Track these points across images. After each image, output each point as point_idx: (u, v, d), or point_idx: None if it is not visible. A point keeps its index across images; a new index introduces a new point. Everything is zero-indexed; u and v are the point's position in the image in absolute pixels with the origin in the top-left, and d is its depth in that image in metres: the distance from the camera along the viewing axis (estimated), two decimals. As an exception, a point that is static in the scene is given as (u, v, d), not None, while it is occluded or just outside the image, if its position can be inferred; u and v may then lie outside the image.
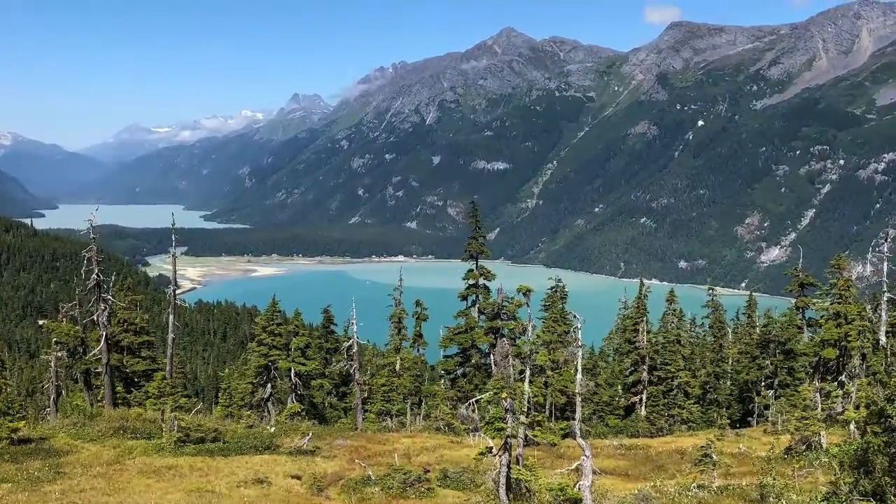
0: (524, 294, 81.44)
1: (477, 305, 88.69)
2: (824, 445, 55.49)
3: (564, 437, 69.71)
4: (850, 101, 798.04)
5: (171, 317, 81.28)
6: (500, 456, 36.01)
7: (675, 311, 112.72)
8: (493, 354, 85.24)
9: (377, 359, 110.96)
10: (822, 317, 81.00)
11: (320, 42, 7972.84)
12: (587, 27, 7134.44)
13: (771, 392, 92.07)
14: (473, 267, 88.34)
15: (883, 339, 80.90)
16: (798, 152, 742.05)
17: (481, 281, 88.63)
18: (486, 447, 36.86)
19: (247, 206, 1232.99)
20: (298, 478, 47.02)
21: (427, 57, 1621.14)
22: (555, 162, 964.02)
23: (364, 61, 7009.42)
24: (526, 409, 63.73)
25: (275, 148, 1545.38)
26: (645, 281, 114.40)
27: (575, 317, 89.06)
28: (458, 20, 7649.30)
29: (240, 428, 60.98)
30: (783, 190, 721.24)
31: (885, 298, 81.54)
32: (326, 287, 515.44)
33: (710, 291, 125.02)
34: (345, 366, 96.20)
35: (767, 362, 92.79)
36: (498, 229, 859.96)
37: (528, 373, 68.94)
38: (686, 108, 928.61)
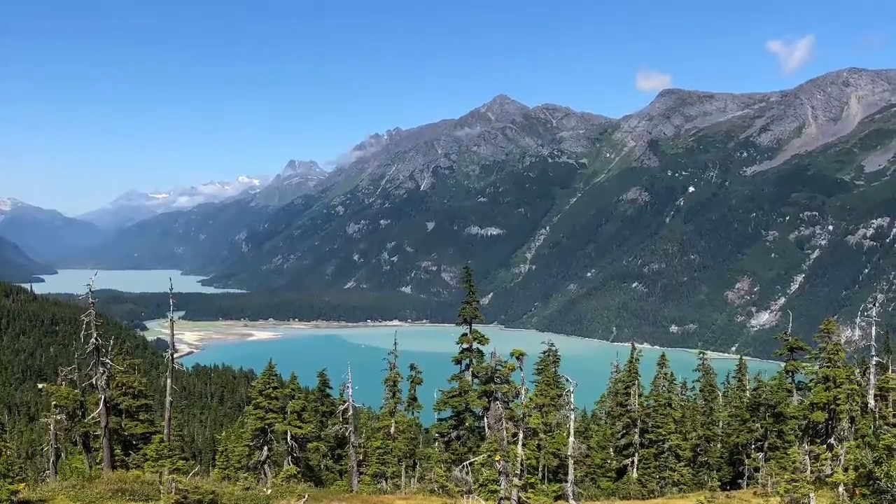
0: (517, 358, 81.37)
1: (471, 369, 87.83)
2: (813, 507, 55.60)
3: (557, 499, 69.69)
4: (839, 168, 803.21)
5: (168, 380, 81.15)
6: (493, 516, 36.18)
7: (666, 374, 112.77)
8: (487, 417, 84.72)
9: (372, 422, 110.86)
10: (811, 380, 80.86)
11: (316, 109, 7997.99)
12: (580, 94, 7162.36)
13: (761, 454, 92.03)
14: (467, 331, 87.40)
15: (871, 402, 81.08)
16: (787, 218, 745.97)
17: (475, 345, 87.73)
18: (480, 508, 37.01)
19: (244, 271, 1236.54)
20: (295, 539, 47.07)
21: (421, 124, 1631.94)
22: (547, 227, 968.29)
23: (359, 128, 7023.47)
24: (519, 472, 63.80)
25: (271, 214, 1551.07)
26: (636, 345, 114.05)
27: (567, 380, 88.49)
28: (452, 87, 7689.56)
29: (237, 490, 60.99)
30: (773, 255, 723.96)
31: (874, 362, 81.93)
32: (322, 351, 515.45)
33: (701, 355, 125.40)
34: (340, 429, 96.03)
35: (757, 425, 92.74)
36: (491, 294, 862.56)
37: (521, 436, 69.13)
38: (677, 175, 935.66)
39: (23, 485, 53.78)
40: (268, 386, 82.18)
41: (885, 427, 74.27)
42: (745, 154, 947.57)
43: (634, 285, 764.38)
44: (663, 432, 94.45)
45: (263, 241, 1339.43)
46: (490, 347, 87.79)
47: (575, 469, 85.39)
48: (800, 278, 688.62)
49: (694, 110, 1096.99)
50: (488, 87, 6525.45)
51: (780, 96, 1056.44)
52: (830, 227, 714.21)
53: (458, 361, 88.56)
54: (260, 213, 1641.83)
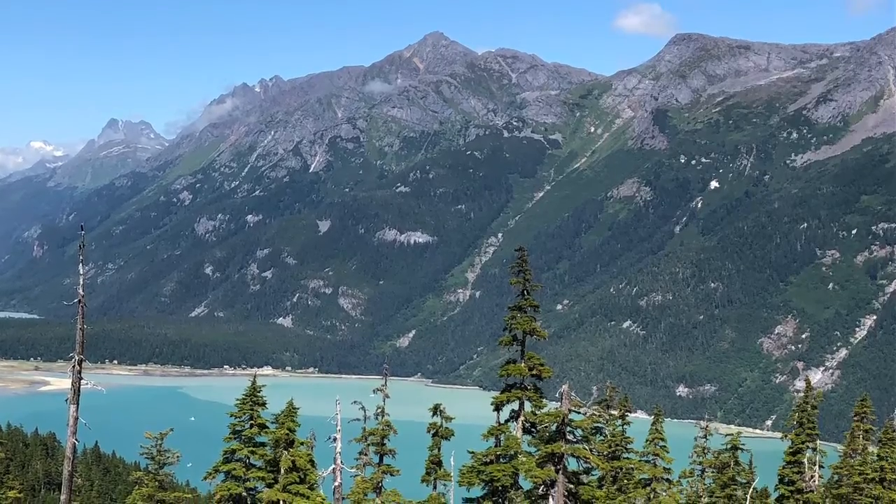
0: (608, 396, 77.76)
1: (521, 418, 78.74)
2: None
3: None
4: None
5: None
6: None
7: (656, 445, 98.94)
8: (553, 499, 74.35)
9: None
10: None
11: (153, 43, 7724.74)
12: (550, 37, 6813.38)
13: None
14: (517, 356, 78.19)
15: None
16: (854, 231, 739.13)
17: (530, 379, 78.36)
18: None
19: (35, 287, 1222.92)
20: None
21: (313, 72, 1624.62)
22: (500, 235, 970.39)
23: (218, 73, 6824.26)
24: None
25: (79, 200, 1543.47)
26: (628, 414, 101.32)
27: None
28: (361, 20, 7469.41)
29: None
30: (831, 286, 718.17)
31: None
32: (155, 412, 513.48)
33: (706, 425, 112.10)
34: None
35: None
36: (413, 332, 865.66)
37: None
38: (694, 163, 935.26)
39: None
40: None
41: None
42: (794, 135, 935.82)
43: (626, 325, 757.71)
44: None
45: (66, 241, 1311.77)
46: (553, 384, 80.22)
47: None
48: (869, 321, 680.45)
49: (721, 67, 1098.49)
50: (415, 22, 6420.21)
51: (849, 50, 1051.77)
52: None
53: (499, 406, 79.46)
54: (61, 198, 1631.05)
